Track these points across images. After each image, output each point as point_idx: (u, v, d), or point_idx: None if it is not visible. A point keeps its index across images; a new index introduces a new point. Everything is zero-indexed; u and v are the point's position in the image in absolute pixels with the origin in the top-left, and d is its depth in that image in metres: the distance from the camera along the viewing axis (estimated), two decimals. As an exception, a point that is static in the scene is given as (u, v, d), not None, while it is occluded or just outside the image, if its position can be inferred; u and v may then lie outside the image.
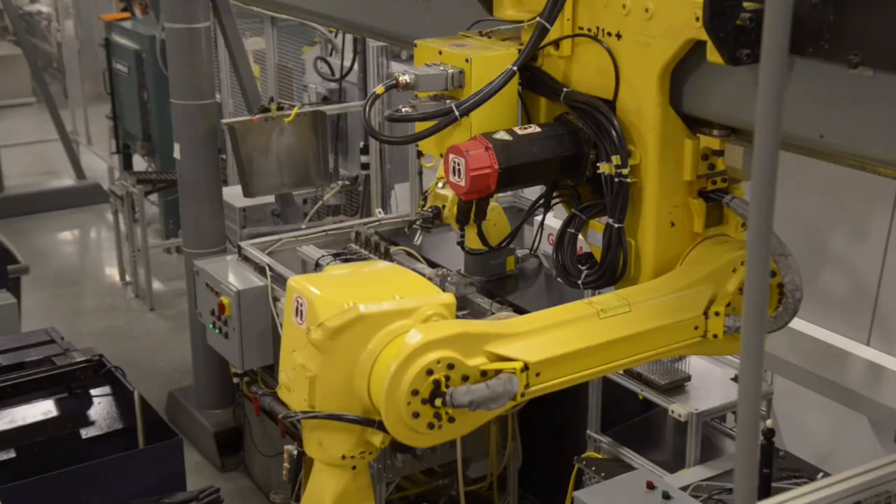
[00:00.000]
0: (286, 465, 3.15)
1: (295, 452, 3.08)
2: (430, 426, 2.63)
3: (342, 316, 2.63)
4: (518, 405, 2.78)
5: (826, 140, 2.55)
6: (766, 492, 3.60)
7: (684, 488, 4.18)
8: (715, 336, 2.94)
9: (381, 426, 2.69)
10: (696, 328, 2.92)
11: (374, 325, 2.65)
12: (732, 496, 2.29)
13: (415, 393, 2.58)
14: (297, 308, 2.76)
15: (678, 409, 4.85)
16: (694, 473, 4.59)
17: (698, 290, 2.92)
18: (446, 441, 2.76)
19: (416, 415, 2.60)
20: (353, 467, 2.85)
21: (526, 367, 2.69)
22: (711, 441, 5.04)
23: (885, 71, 2.37)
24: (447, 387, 2.60)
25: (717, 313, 2.91)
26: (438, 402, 2.59)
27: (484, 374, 2.65)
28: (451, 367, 2.61)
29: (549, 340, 2.77)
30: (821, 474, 3.90)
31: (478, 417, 2.71)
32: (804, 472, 4.17)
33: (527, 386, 2.69)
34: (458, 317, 5.79)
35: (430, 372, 2.58)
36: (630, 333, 2.85)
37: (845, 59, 2.43)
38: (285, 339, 2.85)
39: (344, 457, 2.81)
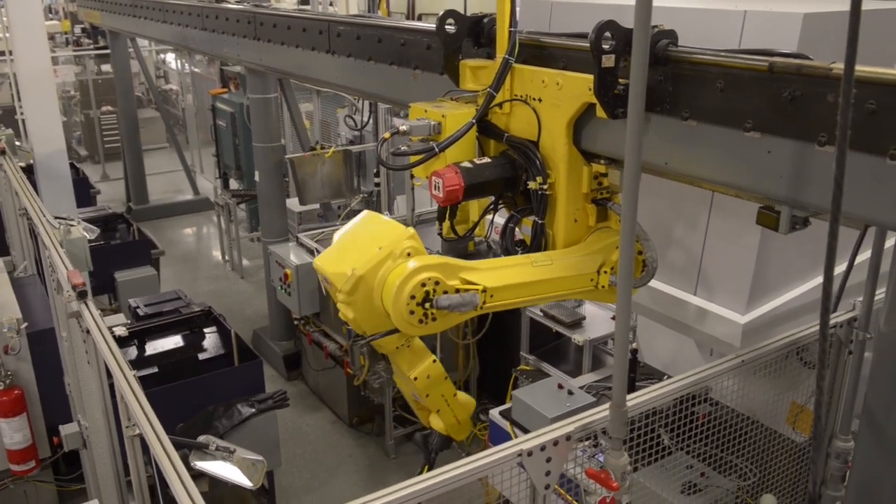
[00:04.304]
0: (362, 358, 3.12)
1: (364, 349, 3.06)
2: (421, 322, 2.60)
3: (349, 281, 2.59)
4: (478, 314, 2.75)
5: (669, 166, 2.57)
6: (631, 388, 3.63)
7: (581, 387, 4.22)
8: (603, 287, 2.93)
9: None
10: (592, 280, 2.91)
11: (370, 275, 2.59)
12: (612, 391, 2.31)
13: (412, 297, 2.55)
14: (325, 281, 2.74)
15: (578, 337, 4.88)
16: (587, 378, 4.63)
17: (594, 256, 2.91)
18: (432, 332, 2.75)
19: (412, 312, 2.57)
20: (408, 345, 2.87)
21: (485, 290, 2.68)
22: (599, 357, 5.07)
23: (704, 122, 2.39)
24: (434, 295, 2.58)
25: (605, 272, 2.90)
26: (428, 305, 2.57)
27: (458, 291, 2.63)
28: (437, 283, 2.58)
29: (500, 275, 2.75)
30: (666, 376, 3.94)
31: (452, 319, 2.68)
32: (655, 376, 4.21)
33: (484, 302, 2.68)
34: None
35: (423, 284, 2.56)
36: (551, 277, 2.83)
37: (680, 114, 2.45)
38: (334, 300, 2.82)
39: (397, 347, 2.83)
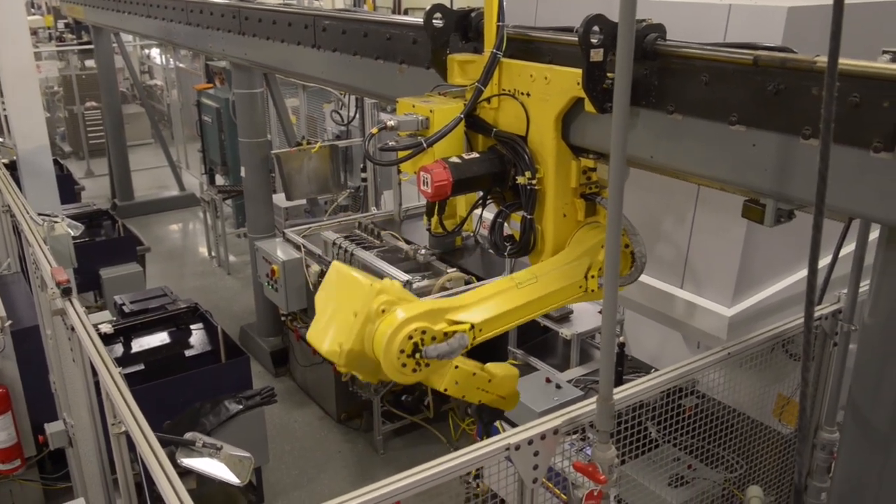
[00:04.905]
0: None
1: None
2: (414, 371, 2.58)
3: (341, 356, 2.57)
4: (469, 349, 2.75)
5: (655, 160, 2.57)
6: (619, 382, 3.65)
7: (569, 381, 4.23)
8: (592, 290, 2.91)
9: None
10: (580, 287, 2.89)
11: (356, 344, 2.56)
12: (599, 385, 2.32)
13: (402, 351, 2.52)
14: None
15: (565, 331, 4.89)
16: (574, 372, 4.65)
17: (580, 261, 2.89)
18: (428, 376, 2.72)
19: (404, 365, 2.55)
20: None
21: (472, 327, 2.66)
22: (586, 351, 5.09)
23: (689, 116, 2.40)
24: (423, 345, 2.55)
25: (592, 276, 2.88)
26: (417, 356, 2.55)
27: (446, 335, 2.60)
28: (423, 332, 2.55)
29: (486, 307, 2.73)
30: (653, 370, 3.96)
31: (445, 362, 2.68)
32: (643, 369, 4.23)
33: (474, 338, 2.67)
34: (421, 277, 5.79)
35: (410, 337, 2.53)
36: (538, 296, 2.81)
37: (665, 108, 2.45)
38: None
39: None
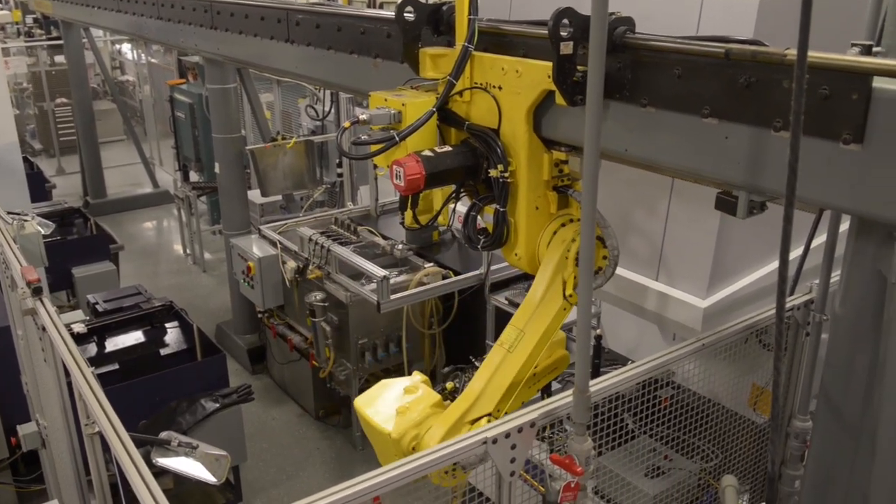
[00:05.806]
0: None
1: None
2: (465, 470, 2.57)
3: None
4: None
5: (628, 153, 2.57)
6: (596, 374, 3.66)
7: (547, 374, 4.23)
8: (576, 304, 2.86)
9: None
10: (564, 309, 2.88)
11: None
12: (575, 377, 2.32)
13: (445, 472, 2.52)
14: None
15: (542, 324, 4.89)
16: (553, 365, 4.64)
17: (554, 285, 2.85)
18: None
19: (454, 476, 2.55)
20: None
21: (489, 414, 2.73)
22: (563, 344, 5.09)
23: (662, 109, 2.41)
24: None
25: (570, 294, 2.85)
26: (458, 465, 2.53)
27: None
28: None
29: (492, 390, 2.78)
30: (630, 362, 3.97)
31: None
32: (619, 361, 4.24)
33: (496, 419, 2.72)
34: (398, 272, 5.76)
35: None
36: (532, 348, 2.83)
37: (639, 101, 2.46)
38: None
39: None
